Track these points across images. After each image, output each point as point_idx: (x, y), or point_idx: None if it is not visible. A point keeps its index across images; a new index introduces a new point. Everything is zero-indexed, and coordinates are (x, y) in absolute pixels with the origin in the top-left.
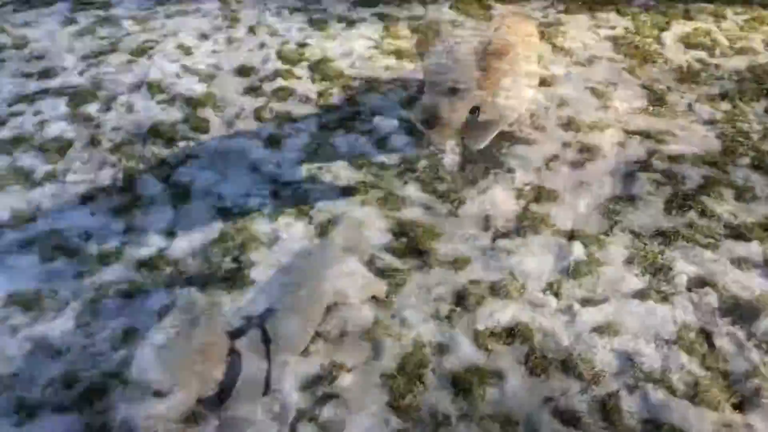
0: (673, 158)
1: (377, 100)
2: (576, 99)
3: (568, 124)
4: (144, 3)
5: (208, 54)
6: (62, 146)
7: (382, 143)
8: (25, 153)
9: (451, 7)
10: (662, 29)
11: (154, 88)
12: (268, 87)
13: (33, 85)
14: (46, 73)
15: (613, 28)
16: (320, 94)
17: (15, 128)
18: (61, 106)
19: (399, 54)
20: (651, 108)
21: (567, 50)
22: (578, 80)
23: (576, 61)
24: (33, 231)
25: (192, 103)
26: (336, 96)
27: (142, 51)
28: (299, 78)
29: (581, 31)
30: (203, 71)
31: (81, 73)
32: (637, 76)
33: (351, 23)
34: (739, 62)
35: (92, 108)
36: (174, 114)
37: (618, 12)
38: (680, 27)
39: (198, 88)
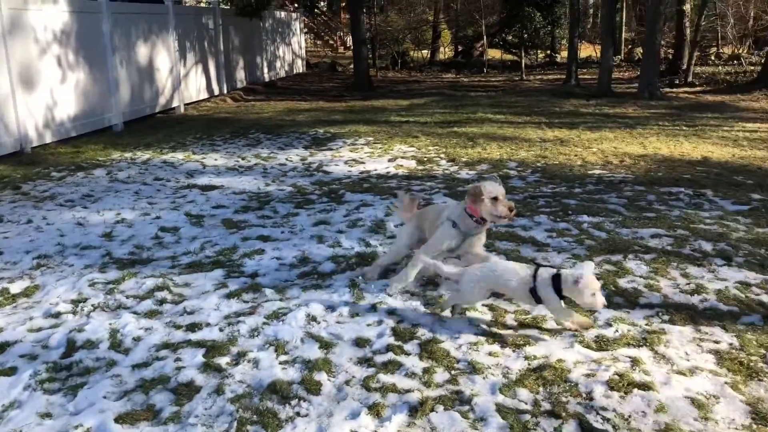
0: None
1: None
2: (674, 407)
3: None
4: (285, 275)
5: (332, 324)
6: (191, 391)
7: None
8: (159, 393)
9: None
10: None
11: (279, 349)
12: (379, 359)
13: (179, 336)
14: (191, 327)
15: (717, 342)
16: (425, 371)
17: (156, 370)
18: (198, 356)
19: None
20: (755, 427)
21: (668, 358)
22: (678, 388)
23: (677, 370)
24: None
25: (309, 366)
26: (439, 374)
27: (275, 316)
28: (408, 354)
29: (684, 342)
30: (325, 339)
31: (221, 330)
32: (741, 393)
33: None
34: None
35: (223, 360)
36: (292, 374)
37: (724, 328)
38: None
39: (317, 354)
